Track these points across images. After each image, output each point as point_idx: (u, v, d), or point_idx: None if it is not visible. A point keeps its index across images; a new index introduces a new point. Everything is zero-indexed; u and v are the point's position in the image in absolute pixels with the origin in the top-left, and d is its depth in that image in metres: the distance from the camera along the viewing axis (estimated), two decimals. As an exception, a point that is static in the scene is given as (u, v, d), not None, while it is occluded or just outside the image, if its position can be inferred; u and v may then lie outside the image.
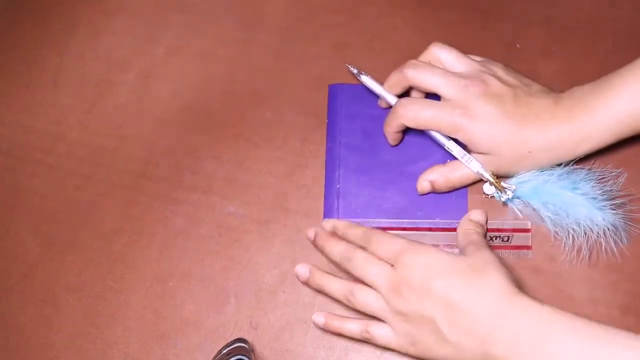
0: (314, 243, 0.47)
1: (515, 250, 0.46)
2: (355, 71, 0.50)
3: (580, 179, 0.44)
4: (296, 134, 0.53)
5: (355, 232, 0.46)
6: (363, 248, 0.44)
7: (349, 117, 0.52)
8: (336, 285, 0.44)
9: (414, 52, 0.54)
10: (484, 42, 0.53)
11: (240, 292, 0.48)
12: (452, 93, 0.44)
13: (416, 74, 0.46)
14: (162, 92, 0.57)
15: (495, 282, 0.38)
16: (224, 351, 0.44)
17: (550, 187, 0.43)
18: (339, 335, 0.45)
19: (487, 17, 0.54)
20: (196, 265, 0.50)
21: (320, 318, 0.45)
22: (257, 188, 0.51)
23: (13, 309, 0.51)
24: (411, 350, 0.40)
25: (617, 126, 0.41)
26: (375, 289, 0.42)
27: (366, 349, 0.45)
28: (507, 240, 0.46)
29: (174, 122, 0.55)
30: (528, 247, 0.46)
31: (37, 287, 0.51)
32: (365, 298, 0.42)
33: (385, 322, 0.42)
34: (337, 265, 0.45)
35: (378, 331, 0.42)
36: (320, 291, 0.46)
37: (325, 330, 0.45)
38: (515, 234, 0.46)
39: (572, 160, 0.43)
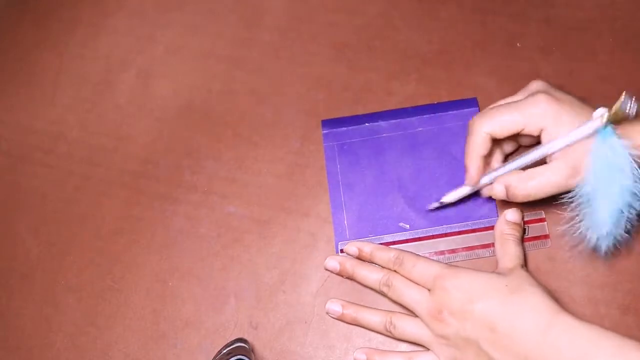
0: (340, 273, 0.47)
1: (533, 242, 0.46)
2: (437, 205, 0.47)
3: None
4: (296, 134, 0.53)
5: (386, 255, 0.45)
6: (394, 271, 0.44)
7: (344, 152, 0.51)
8: (374, 318, 0.44)
9: (413, 51, 0.54)
10: (485, 42, 0.53)
11: (240, 292, 0.48)
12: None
13: None
14: (162, 91, 0.57)
15: (535, 300, 0.38)
16: (224, 351, 0.44)
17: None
18: None
19: (488, 16, 0.54)
20: (196, 265, 0.50)
21: (361, 356, 0.44)
22: (257, 188, 0.51)
23: (13, 309, 0.51)
24: None
25: None
26: (415, 315, 0.42)
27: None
28: (525, 233, 0.46)
29: (174, 122, 0.55)
30: (546, 237, 0.46)
31: (37, 287, 0.51)
32: (405, 327, 0.42)
33: (428, 349, 0.42)
34: (373, 289, 0.46)
35: None
36: (356, 325, 0.46)
37: None
38: (530, 225, 0.46)
39: None
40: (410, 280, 0.43)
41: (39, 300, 0.51)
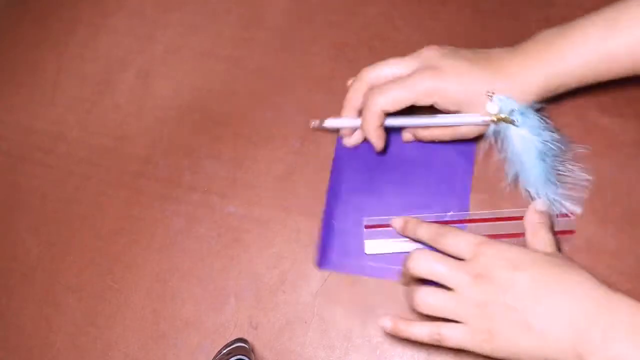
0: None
1: (558, 236, 0.45)
2: (316, 123, 0.50)
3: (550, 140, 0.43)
4: (296, 134, 0.53)
5: (426, 228, 0.45)
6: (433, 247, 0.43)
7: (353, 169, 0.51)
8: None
9: (413, 51, 0.54)
10: (484, 42, 0.53)
11: (240, 292, 0.48)
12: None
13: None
14: (162, 91, 0.57)
15: (583, 279, 0.38)
16: (224, 351, 0.44)
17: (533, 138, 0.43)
18: (407, 340, 0.42)
19: (487, 16, 0.54)
20: (196, 265, 0.50)
21: (387, 322, 0.43)
22: (257, 188, 0.51)
23: (13, 309, 0.51)
24: (486, 347, 0.39)
25: (586, 67, 0.41)
26: (454, 283, 0.40)
27: (366, 349, 0.45)
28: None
29: (173, 122, 0.55)
30: (572, 232, 0.45)
31: (37, 287, 0.51)
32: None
33: (459, 322, 0.40)
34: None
35: (450, 332, 0.40)
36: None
37: (393, 334, 0.43)
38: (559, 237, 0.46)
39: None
40: (450, 253, 0.42)
41: (39, 300, 0.51)
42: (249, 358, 0.41)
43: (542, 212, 0.44)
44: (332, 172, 0.50)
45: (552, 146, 0.43)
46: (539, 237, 0.43)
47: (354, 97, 0.47)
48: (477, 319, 0.40)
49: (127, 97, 0.58)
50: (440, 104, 0.44)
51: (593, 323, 0.35)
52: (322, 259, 0.48)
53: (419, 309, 0.41)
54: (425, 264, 0.42)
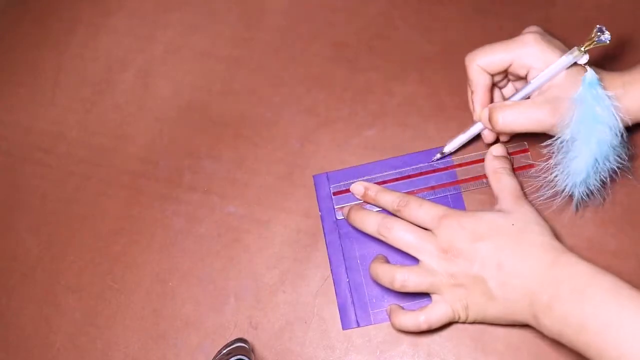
0: (348, 218, 0.47)
1: (519, 172, 0.46)
2: (439, 156, 0.48)
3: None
4: (296, 134, 0.53)
5: (391, 197, 0.45)
6: (395, 215, 0.44)
7: (341, 203, 0.49)
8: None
9: (413, 51, 0.54)
10: (484, 42, 0.53)
11: (240, 292, 0.48)
12: None
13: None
14: (162, 91, 0.57)
15: (540, 239, 0.39)
16: (224, 351, 0.44)
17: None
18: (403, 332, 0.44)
19: (487, 16, 0.54)
20: (196, 265, 0.50)
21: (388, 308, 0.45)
22: (257, 188, 0.51)
23: (13, 309, 0.51)
24: (464, 315, 0.41)
25: None
26: (422, 257, 0.42)
27: (366, 349, 0.45)
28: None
29: (173, 122, 0.55)
30: (531, 166, 0.46)
31: (37, 287, 0.51)
32: (416, 279, 0.41)
33: (436, 294, 0.42)
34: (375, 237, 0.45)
35: (433, 312, 0.42)
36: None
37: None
38: (514, 156, 0.47)
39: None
40: (413, 222, 0.43)
41: (39, 300, 0.51)
42: (249, 358, 0.41)
43: (500, 157, 0.45)
44: (328, 249, 0.48)
45: (616, 136, 0.40)
46: (503, 183, 0.44)
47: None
48: (451, 290, 0.41)
49: (127, 97, 0.58)
50: (536, 69, 0.42)
51: (543, 284, 0.37)
52: (345, 320, 0.46)
53: (403, 290, 0.42)
54: (397, 233, 0.43)
